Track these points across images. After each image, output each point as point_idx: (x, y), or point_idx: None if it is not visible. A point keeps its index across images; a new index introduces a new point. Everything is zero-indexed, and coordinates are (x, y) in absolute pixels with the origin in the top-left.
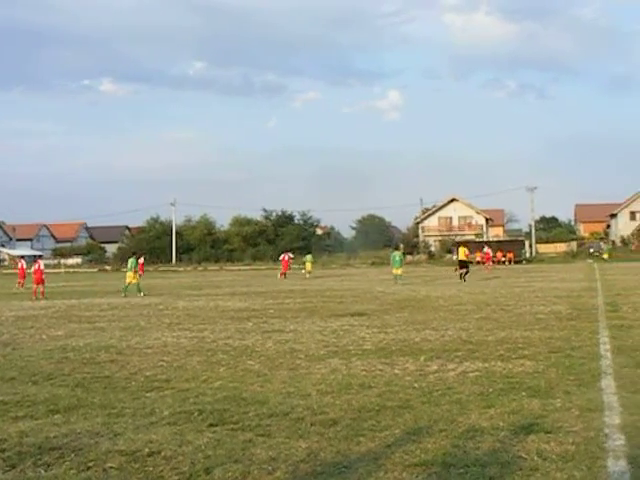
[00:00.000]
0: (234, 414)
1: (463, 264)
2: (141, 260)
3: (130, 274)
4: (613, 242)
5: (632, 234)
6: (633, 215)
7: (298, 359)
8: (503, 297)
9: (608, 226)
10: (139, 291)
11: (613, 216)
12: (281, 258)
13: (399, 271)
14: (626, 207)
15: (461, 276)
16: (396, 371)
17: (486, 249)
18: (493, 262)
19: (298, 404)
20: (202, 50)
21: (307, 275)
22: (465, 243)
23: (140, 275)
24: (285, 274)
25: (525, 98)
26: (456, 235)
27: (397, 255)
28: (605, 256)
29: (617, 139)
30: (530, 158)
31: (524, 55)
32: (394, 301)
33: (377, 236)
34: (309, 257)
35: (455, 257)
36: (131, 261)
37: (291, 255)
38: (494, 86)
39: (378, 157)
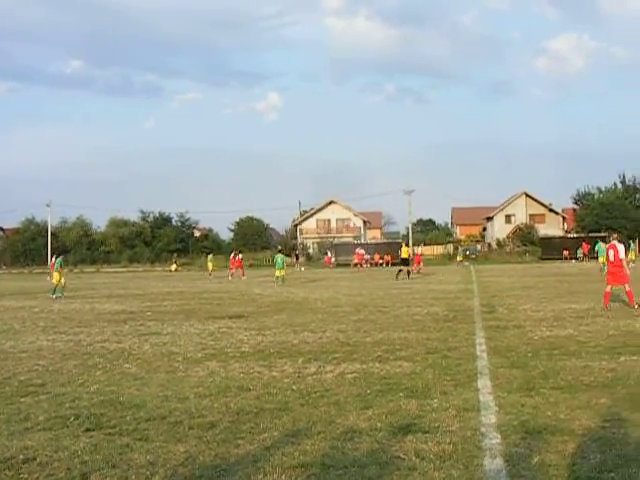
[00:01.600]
0: (111, 418)
1: (405, 262)
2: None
3: (56, 274)
4: (489, 245)
5: (507, 237)
6: (508, 218)
7: (176, 362)
8: (380, 299)
9: (484, 229)
10: (53, 292)
11: (489, 219)
12: (232, 257)
13: (282, 273)
14: (501, 210)
15: (401, 274)
16: (274, 373)
17: (359, 250)
18: (371, 264)
19: (176, 407)
20: (79, 48)
21: (209, 275)
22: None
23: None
24: (242, 273)
25: (404, 102)
26: (334, 237)
27: (279, 257)
28: (459, 258)
29: (494, 144)
30: (408, 161)
31: (403, 60)
32: (272, 303)
33: (255, 238)
34: (210, 257)
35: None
36: (58, 261)
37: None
38: (373, 90)
39: (258, 159)
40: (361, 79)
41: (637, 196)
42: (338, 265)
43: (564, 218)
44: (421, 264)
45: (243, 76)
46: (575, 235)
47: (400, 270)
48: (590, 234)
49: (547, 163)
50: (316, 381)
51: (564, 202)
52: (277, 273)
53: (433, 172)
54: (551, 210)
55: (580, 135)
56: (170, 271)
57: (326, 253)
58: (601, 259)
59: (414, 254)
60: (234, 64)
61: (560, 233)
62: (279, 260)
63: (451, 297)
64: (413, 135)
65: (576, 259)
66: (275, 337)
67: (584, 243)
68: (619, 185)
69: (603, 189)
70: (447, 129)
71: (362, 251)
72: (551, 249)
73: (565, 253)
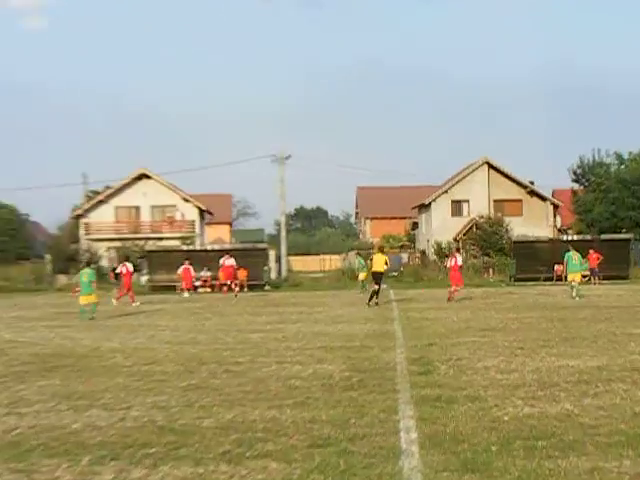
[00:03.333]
0: None
1: (377, 278)
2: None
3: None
4: (423, 253)
5: (456, 239)
6: (457, 207)
7: None
8: (231, 349)
9: (414, 226)
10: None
11: (423, 208)
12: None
13: (91, 299)
14: (445, 193)
15: (371, 298)
16: None
17: (186, 264)
18: (213, 287)
19: None
20: None
21: None
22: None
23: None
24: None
25: (282, 6)
26: (147, 239)
27: (86, 274)
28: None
29: (433, 77)
30: (282, 110)
31: None
32: (35, 358)
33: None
34: None
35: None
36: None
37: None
38: None
39: (8, 95)
40: None
41: None
42: (153, 288)
43: (556, 207)
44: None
45: None
46: (575, 237)
47: (375, 292)
48: (603, 235)
49: (525, 110)
50: None
51: (557, 180)
52: (83, 300)
53: (323, 127)
54: (533, 194)
55: (581, 60)
56: None
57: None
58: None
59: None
60: None
61: (549, 233)
62: (84, 279)
63: (356, 346)
64: (293, 64)
65: (583, 277)
66: (40, 419)
67: (592, 251)
68: None
69: (626, 156)
70: (352, 50)
71: (196, 272)
72: (532, 261)
73: (557, 269)
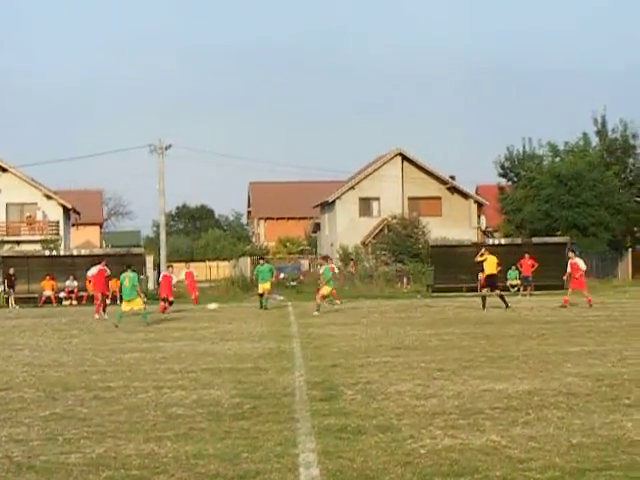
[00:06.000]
0: None
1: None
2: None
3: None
4: (325, 259)
5: (364, 243)
6: (366, 205)
7: None
8: (100, 372)
9: (316, 227)
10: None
11: (326, 207)
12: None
13: None
14: (352, 189)
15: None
16: None
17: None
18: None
19: None
20: None
21: None
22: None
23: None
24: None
25: None
26: (2, 243)
27: None
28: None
29: (334, 50)
30: (161, 87)
31: None
32: None
33: None
34: None
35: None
36: (132, 277)
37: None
38: None
39: None
40: None
41: (630, 161)
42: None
43: (480, 205)
44: (195, 294)
45: None
46: (503, 240)
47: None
48: (535, 238)
49: (445, 97)
50: None
51: (482, 175)
52: None
53: (209, 114)
54: (454, 190)
55: (506, 43)
56: None
57: None
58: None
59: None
60: None
61: (472, 236)
62: None
63: (248, 368)
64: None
65: (507, 289)
66: None
67: (527, 256)
68: (593, 139)
69: (562, 147)
70: (241, 30)
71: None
72: (453, 269)
73: (482, 277)
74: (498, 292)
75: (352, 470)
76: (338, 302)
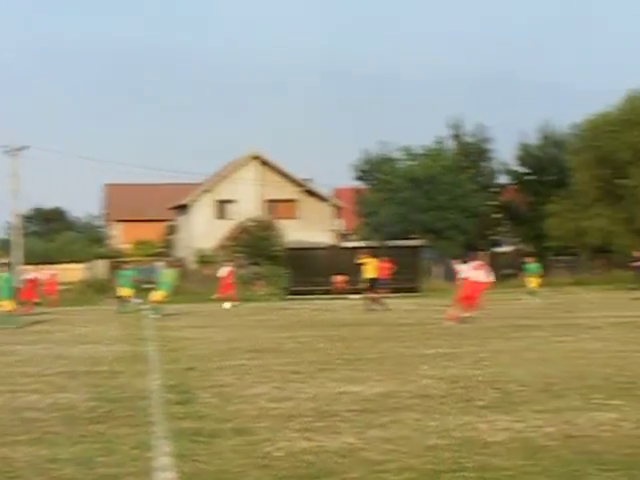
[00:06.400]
0: None
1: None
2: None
3: None
4: (179, 262)
5: (221, 246)
6: (222, 208)
7: None
8: None
9: (171, 230)
10: None
11: (182, 209)
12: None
13: None
14: (208, 192)
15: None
16: None
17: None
18: None
19: None
20: None
21: None
22: None
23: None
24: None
25: None
26: None
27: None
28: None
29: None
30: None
31: None
32: None
33: None
34: None
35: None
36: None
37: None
38: None
39: None
40: None
41: (484, 164)
42: None
43: (337, 208)
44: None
45: None
46: (359, 243)
47: None
48: (390, 241)
49: (303, 100)
50: None
51: (339, 178)
52: None
53: (63, 114)
54: (311, 193)
55: (364, 46)
56: None
57: None
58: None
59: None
60: None
61: (329, 239)
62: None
63: (103, 371)
64: None
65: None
66: None
67: (384, 259)
68: (449, 143)
69: (418, 150)
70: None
71: None
72: (309, 271)
73: (338, 280)
74: (376, 295)
75: (208, 473)
76: (232, 304)
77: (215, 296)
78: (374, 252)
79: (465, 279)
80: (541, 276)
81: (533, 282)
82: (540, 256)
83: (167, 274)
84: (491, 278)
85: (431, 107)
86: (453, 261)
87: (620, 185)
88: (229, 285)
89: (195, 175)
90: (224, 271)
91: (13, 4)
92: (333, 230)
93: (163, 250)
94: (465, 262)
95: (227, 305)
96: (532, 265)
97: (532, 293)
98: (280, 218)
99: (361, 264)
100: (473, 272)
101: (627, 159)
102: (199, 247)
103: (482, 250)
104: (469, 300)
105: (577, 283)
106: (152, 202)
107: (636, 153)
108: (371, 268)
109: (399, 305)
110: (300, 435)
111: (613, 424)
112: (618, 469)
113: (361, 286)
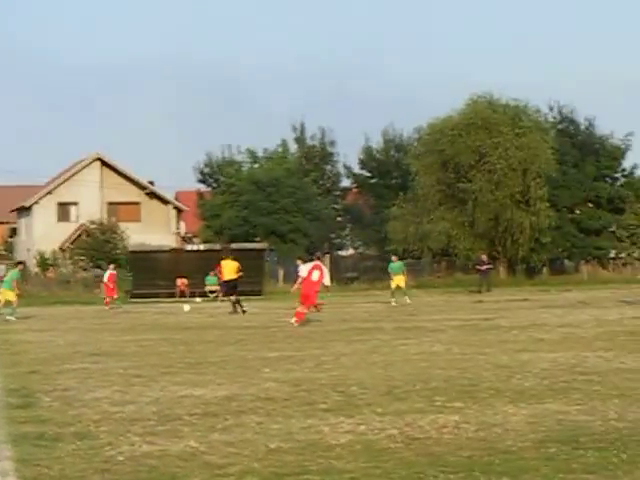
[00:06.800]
0: None
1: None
2: None
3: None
4: (19, 264)
5: (62, 249)
6: (65, 210)
7: None
8: None
9: (12, 232)
10: None
11: (23, 212)
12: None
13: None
14: (50, 194)
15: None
16: None
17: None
18: None
19: None
20: None
21: None
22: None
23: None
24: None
25: None
26: None
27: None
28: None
29: None
30: None
31: None
32: None
33: None
34: None
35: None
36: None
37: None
38: None
39: None
40: None
41: (327, 168)
42: None
43: (180, 211)
44: None
45: None
46: (202, 246)
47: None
48: (234, 244)
49: (146, 101)
50: None
51: (181, 181)
52: None
53: None
54: (153, 196)
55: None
56: None
57: None
58: None
59: None
60: None
61: (172, 242)
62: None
63: None
64: None
65: (211, 293)
66: None
67: (223, 262)
68: (292, 146)
69: (262, 153)
70: None
71: None
72: (152, 274)
73: (180, 283)
74: (234, 298)
75: (49, 478)
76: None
77: (106, 299)
78: (231, 254)
79: (304, 279)
80: (405, 274)
81: (398, 281)
82: (383, 260)
83: (10, 274)
84: (327, 280)
85: (275, 111)
86: (298, 261)
87: (462, 189)
88: (111, 289)
89: (38, 177)
90: (106, 275)
91: None
92: (176, 233)
93: (3, 253)
94: (305, 263)
95: (187, 307)
96: (396, 264)
97: (398, 292)
98: (122, 221)
99: (220, 266)
100: (310, 272)
101: (469, 163)
102: (40, 250)
103: (328, 253)
104: (307, 299)
105: (420, 286)
106: None
107: (478, 157)
108: (229, 270)
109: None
110: (142, 439)
111: (455, 426)
112: (459, 471)
113: (217, 289)
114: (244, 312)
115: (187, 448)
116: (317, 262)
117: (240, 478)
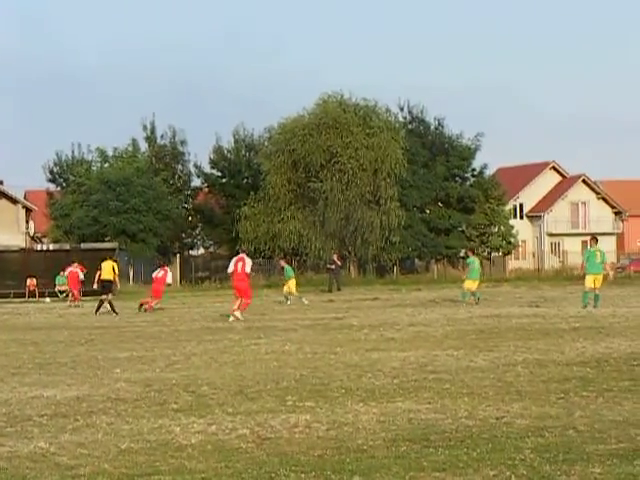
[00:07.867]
0: None
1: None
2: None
3: None
4: None
5: None
6: None
7: None
8: None
9: None
10: None
11: None
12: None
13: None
14: None
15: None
16: None
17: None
18: None
19: None
20: None
21: None
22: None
23: None
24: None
25: None
26: None
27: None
28: None
29: None
30: None
31: None
32: None
33: None
34: None
35: None
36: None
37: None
38: None
39: None
40: None
41: (178, 167)
42: None
43: (29, 211)
44: None
45: None
46: (52, 246)
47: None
48: (84, 244)
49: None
50: None
51: (31, 180)
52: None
53: None
54: (3, 195)
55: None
56: None
57: None
58: None
59: None
60: None
61: (21, 242)
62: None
63: None
64: None
65: (60, 293)
66: None
67: (75, 264)
68: (143, 145)
69: (112, 152)
70: None
71: None
72: (2, 275)
73: (30, 283)
74: (109, 297)
75: None
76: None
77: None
78: (110, 255)
79: (232, 273)
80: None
81: (290, 285)
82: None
83: None
84: (169, 279)
85: (124, 110)
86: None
87: (313, 189)
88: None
89: None
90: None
91: None
92: (25, 233)
93: None
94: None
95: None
96: (288, 267)
97: (291, 295)
98: None
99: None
100: (235, 265)
101: (320, 163)
102: None
103: (178, 253)
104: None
105: (270, 286)
106: None
107: (328, 157)
108: (106, 269)
109: (93, 308)
110: None
111: (306, 425)
112: (311, 470)
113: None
114: (116, 314)
115: (37, 449)
116: (242, 254)
117: (91, 479)
